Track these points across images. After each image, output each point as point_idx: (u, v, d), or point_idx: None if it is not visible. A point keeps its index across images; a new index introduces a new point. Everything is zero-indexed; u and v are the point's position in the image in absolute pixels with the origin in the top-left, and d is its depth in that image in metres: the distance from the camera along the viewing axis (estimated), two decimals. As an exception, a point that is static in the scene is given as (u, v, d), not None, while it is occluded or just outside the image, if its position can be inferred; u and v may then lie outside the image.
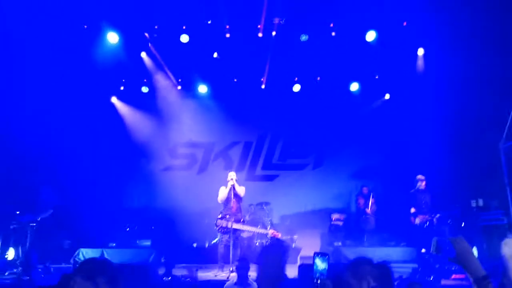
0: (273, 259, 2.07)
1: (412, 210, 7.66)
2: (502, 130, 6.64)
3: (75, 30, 8.28)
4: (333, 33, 8.65)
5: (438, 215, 7.34)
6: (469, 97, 8.08)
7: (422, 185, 7.49)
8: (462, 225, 7.76)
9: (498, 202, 6.92)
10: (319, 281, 1.83)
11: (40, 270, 6.80)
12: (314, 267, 1.87)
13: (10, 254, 7.06)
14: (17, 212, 7.16)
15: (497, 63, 7.26)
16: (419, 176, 7.57)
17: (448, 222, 7.69)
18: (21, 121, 8.17)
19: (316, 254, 1.90)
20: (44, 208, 7.21)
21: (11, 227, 7.00)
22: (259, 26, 8.57)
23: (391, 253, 7.85)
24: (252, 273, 5.29)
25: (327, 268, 1.84)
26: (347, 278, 2.20)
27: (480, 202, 7.22)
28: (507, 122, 6.50)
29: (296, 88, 10.46)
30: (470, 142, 8.10)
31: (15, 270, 6.58)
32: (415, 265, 6.93)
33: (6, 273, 6.53)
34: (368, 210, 9.36)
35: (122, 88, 10.35)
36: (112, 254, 8.29)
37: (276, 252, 2.14)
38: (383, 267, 2.20)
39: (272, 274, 1.43)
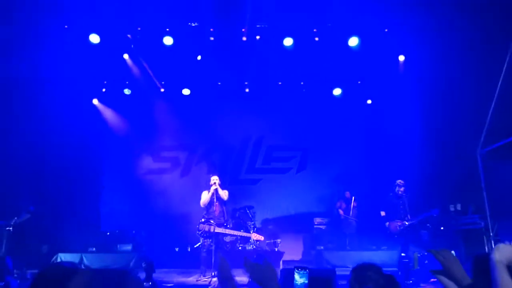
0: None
1: (382, 213, 7.68)
2: (480, 137, 6.82)
3: (56, 31, 8.12)
4: (317, 38, 8.74)
5: (411, 221, 7.36)
6: (448, 104, 8.28)
7: (400, 190, 7.54)
8: (441, 228, 7.93)
9: (475, 206, 7.08)
10: None
11: (16, 275, 6.61)
12: (294, 281, 1.88)
13: (-15, 259, 6.83)
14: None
15: (476, 70, 7.46)
16: (399, 181, 7.64)
17: (428, 226, 7.83)
18: (3, 121, 7.96)
19: (296, 268, 1.91)
20: (21, 213, 7.02)
21: (-14, 231, 6.79)
22: (243, 30, 8.59)
23: (372, 257, 7.92)
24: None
25: (306, 282, 1.86)
26: (351, 279, 2.23)
27: (458, 207, 7.37)
28: (484, 129, 6.68)
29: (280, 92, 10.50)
30: (449, 148, 8.29)
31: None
32: (395, 269, 7.03)
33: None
34: (341, 213, 9.47)
35: (104, 90, 10.18)
36: (92, 259, 8.14)
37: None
38: (390, 279, 2.22)
39: None
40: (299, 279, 1.88)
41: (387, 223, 7.54)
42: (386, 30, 8.54)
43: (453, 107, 8.05)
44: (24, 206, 7.12)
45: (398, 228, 7.36)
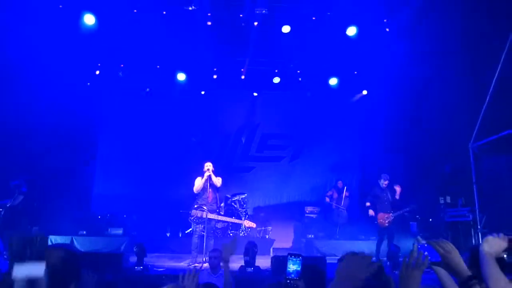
0: None
1: (368, 204, 7.83)
2: (472, 131, 6.87)
3: (50, 10, 7.94)
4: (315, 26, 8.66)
5: (397, 213, 7.47)
6: (442, 97, 8.31)
7: (384, 183, 7.65)
8: (430, 220, 8.04)
9: (464, 199, 7.18)
10: (291, 282, 1.85)
11: (5, 256, 6.59)
12: (287, 268, 1.88)
13: (-24, 240, 6.80)
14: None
15: (471, 64, 7.47)
16: (383, 175, 7.76)
17: (417, 217, 7.93)
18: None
19: (289, 255, 1.91)
20: (13, 195, 6.95)
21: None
22: (241, 15, 8.47)
23: (361, 247, 8.04)
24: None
25: (299, 269, 1.87)
26: (337, 269, 2.26)
27: (448, 199, 7.48)
28: (477, 124, 6.72)
29: (276, 80, 10.46)
30: (441, 141, 8.35)
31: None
32: (384, 259, 7.14)
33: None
34: (328, 200, 9.59)
35: (97, 72, 10.03)
36: (83, 242, 8.14)
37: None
38: (376, 267, 2.24)
39: None
40: (292, 266, 1.89)
41: (370, 211, 7.62)
42: (385, 20, 8.50)
43: (447, 101, 8.08)
44: (16, 187, 7.04)
45: (384, 220, 7.47)
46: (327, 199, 9.71)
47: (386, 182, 7.63)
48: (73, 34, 8.40)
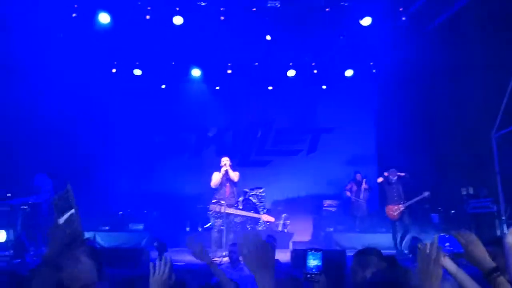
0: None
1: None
2: (495, 119, 6.67)
3: (65, 10, 8.06)
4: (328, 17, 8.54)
5: (408, 202, 7.44)
6: (463, 84, 8.09)
7: (393, 178, 7.60)
8: (452, 212, 7.88)
9: (488, 190, 7.00)
10: (312, 277, 1.83)
11: (31, 253, 6.77)
12: (307, 263, 1.86)
13: (2, 236, 6.99)
14: (8, 195, 7.05)
15: (490, 52, 7.24)
16: (390, 171, 7.69)
17: (439, 209, 7.77)
18: (15, 103, 7.97)
19: (309, 250, 1.89)
20: (38, 192, 7.10)
21: (0, 209, 6.89)
22: (254, 9, 8.42)
23: (382, 240, 7.94)
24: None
25: (320, 264, 1.84)
26: (353, 264, 2.25)
27: (471, 190, 7.30)
28: (500, 112, 6.52)
29: (291, 73, 10.38)
30: (463, 130, 8.14)
31: (6, 253, 6.53)
32: (406, 251, 7.06)
33: (-2, 256, 6.48)
34: (348, 194, 9.48)
35: (114, 70, 10.16)
36: (105, 238, 8.31)
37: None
38: (390, 260, 2.22)
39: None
40: (312, 261, 1.86)
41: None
42: (400, 9, 8.31)
43: (468, 88, 7.86)
44: (41, 186, 7.16)
45: (393, 211, 7.44)
46: (348, 193, 9.54)
47: (395, 178, 7.59)
48: (88, 33, 8.51)
